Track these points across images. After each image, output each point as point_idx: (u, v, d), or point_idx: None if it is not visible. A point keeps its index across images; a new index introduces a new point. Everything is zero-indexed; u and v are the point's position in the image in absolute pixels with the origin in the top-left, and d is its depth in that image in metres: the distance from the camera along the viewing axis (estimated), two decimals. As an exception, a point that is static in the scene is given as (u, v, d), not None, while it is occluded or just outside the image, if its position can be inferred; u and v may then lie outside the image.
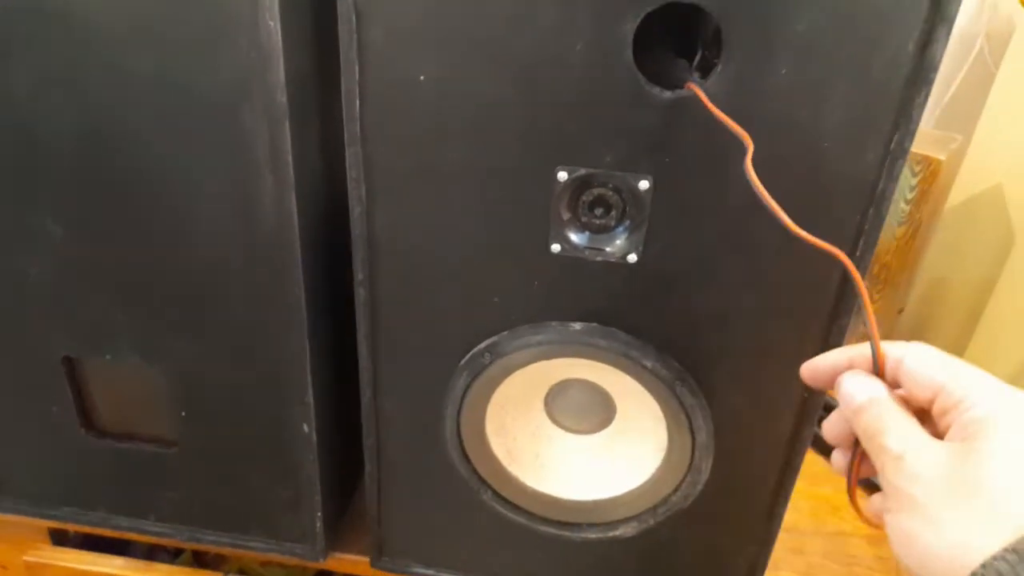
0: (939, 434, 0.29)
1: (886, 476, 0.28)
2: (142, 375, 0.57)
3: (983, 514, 0.25)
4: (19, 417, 0.61)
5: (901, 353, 0.31)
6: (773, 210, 0.34)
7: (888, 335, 0.99)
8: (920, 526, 0.27)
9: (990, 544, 0.25)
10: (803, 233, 0.33)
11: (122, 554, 0.70)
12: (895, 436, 0.28)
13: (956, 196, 0.97)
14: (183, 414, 0.57)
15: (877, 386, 0.30)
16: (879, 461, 0.29)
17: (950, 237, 0.97)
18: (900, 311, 1.02)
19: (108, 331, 0.54)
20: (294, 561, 0.65)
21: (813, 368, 0.34)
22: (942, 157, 0.81)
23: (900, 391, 0.31)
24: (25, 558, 0.66)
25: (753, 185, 0.34)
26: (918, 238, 0.86)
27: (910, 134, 0.38)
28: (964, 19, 0.98)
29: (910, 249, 0.86)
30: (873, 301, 0.91)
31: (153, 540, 0.68)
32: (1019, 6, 0.93)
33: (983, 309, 0.90)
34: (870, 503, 0.32)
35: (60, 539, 0.72)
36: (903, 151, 0.39)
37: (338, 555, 0.65)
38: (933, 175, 0.81)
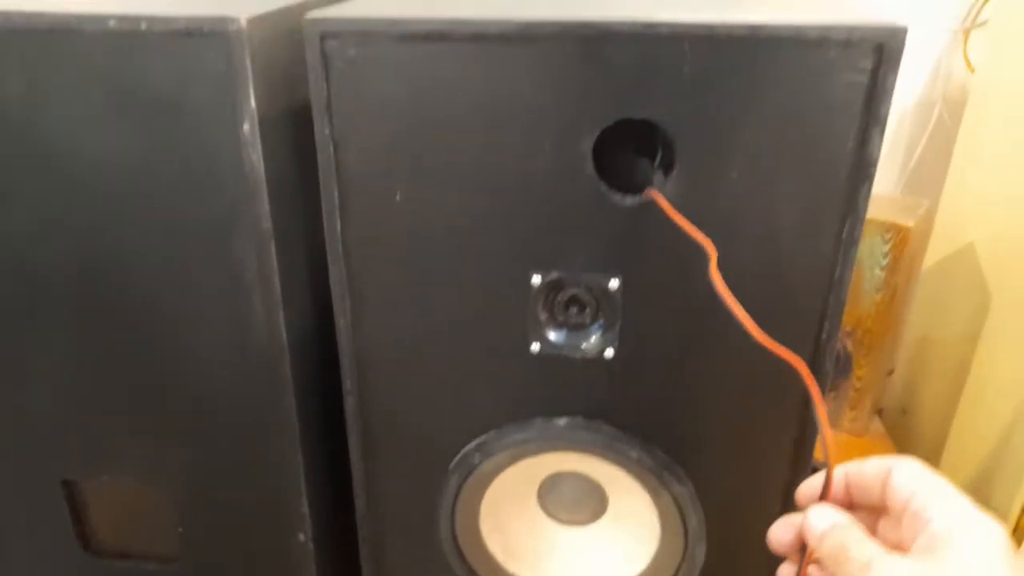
0: (904, 545, 0.31)
1: None
2: (140, 494, 0.58)
3: None
4: (18, 540, 0.61)
5: (890, 465, 0.33)
6: (738, 317, 0.36)
7: (879, 397, 1.00)
8: None
9: None
10: (767, 340, 0.35)
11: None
12: (859, 549, 0.31)
13: (933, 256, 1.00)
14: (180, 530, 0.58)
15: (838, 515, 0.33)
16: (844, 572, 0.31)
17: (932, 297, 1.00)
18: (890, 373, 1.04)
19: (107, 453, 0.55)
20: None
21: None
22: (910, 224, 0.84)
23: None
24: None
25: (718, 292, 0.36)
26: (896, 302, 0.88)
27: (858, 222, 0.41)
28: (921, 87, 1.03)
29: (890, 313, 0.88)
30: (860, 366, 0.92)
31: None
32: (970, 72, 0.98)
33: (970, 364, 0.91)
34: None
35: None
36: (854, 240, 0.41)
37: (341, 664, 0.64)
38: (903, 241, 0.84)
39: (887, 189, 1.06)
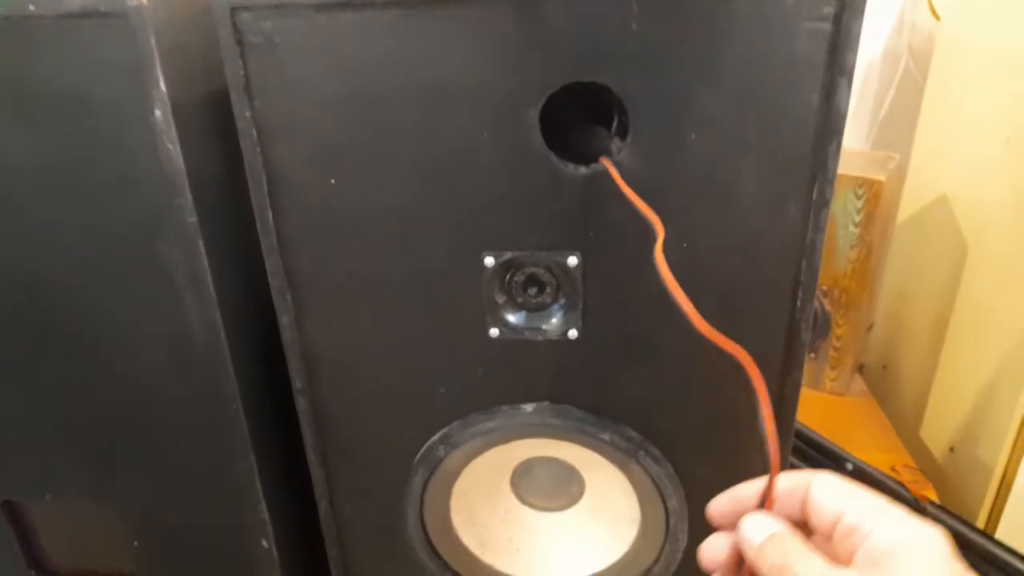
0: (838, 560, 0.29)
1: None
2: (90, 511, 0.54)
3: None
4: (-34, 567, 0.58)
5: (807, 480, 0.31)
6: (682, 306, 0.32)
7: (860, 353, 0.98)
8: None
9: None
10: (710, 332, 0.32)
11: None
12: (803, 565, 0.28)
13: (906, 210, 0.98)
14: (135, 544, 0.55)
15: (777, 524, 0.30)
16: None
17: (907, 252, 0.98)
18: (869, 328, 1.02)
19: (48, 473, 0.52)
20: None
21: (717, 507, 0.33)
22: (882, 178, 0.81)
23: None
24: None
25: (663, 278, 0.33)
26: (872, 258, 0.86)
27: (829, 183, 0.38)
28: (886, 38, 1.00)
29: (866, 270, 0.86)
30: (839, 325, 0.91)
31: None
32: (935, 21, 0.95)
33: (949, 317, 0.90)
34: None
35: None
36: (825, 201, 0.38)
37: (318, 670, 0.61)
38: (876, 196, 0.82)
39: (857, 144, 1.03)
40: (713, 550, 0.32)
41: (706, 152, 0.38)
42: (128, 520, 0.54)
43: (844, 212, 0.83)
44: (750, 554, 0.30)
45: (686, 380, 0.45)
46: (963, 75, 0.85)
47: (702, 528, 0.50)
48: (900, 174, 0.91)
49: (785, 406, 0.45)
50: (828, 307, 0.90)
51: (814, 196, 0.38)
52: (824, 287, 0.88)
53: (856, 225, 0.84)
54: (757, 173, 0.38)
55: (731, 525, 0.32)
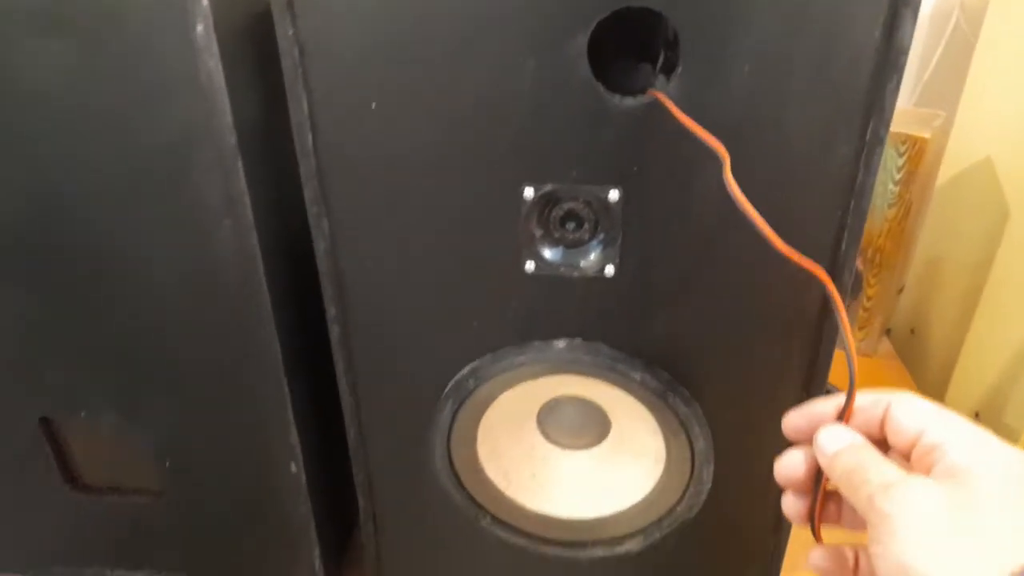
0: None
1: (874, 506, 0.27)
2: (123, 430, 0.56)
3: (981, 551, 0.25)
4: (4, 479, 0.59)
5: (888, 399, 0.31)
6: (757, 225, 0.32)
7: (888, 316, 0.97)
8: (917, 557, 0.25)
9: None
10: (788, 250, 0.32)
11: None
12: (878, 470, 0.28)
13: (946, 173, 0.95)
14: (167, 464, 0.56)
15: (853, 435, 0.30)
16: (862, 494, 0.28)
17: (944, 215, 0.96)
18: (899, 291, 1.01)
19: (82, 391, 0.53)
20: (296, 604, 0.63)
21: (793, 422, 0.33)
22: (927, 135, 0.79)
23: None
24: (23, 622, 0.65)
25: (736, 199, 0.32)
26: (910, 218, 0.84)
27: (884, 123, 0.37)
28: (938, -6, 0.96)
29: (903, 230, 0.85)
30: (870, 285, 0.89)
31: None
32: (993, -26, 0.91)
33: (983, 284, 0.88)
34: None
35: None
36: (879, 140, 0.37)
37: (340, 595, 0.63)
38: (919, 154, 0.80)
39: (901, 102, 1.00)
40: (788, 465, 0.33)
41: (757, 85, 0.37)
42: (159, 440, 0.55)
43: (884, 169, 0.81)
44: (823, 462, 0.30)
45: (718, 321, 0.45)
46: (1017, 33, 0.82)
47: (727, 469, 0.50)
48: (944, 133, 0.89)
49: (822, 351, 0.44)
50: (861, 267, 0.88)
51: (867, 136, 0.37)
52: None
53: (896, 183, 0.82)
54: (809, 109, 0.37)
55: (807, 440, 0.32)
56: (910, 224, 0.85)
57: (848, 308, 0.93)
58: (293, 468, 0.54)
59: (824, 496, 0.32)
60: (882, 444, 0.30)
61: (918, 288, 1.01)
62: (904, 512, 0.26)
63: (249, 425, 0.53)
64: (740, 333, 0.46)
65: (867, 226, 0.84)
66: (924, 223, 0.97)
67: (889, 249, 0.86)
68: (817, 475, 0.32)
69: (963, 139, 0.92)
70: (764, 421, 0.49)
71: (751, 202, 0.38)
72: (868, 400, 0.31)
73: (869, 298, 0.90)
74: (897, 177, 0.81)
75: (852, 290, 0.91)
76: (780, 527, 0.52)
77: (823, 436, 0.31)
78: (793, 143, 0.38)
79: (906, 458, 0.29)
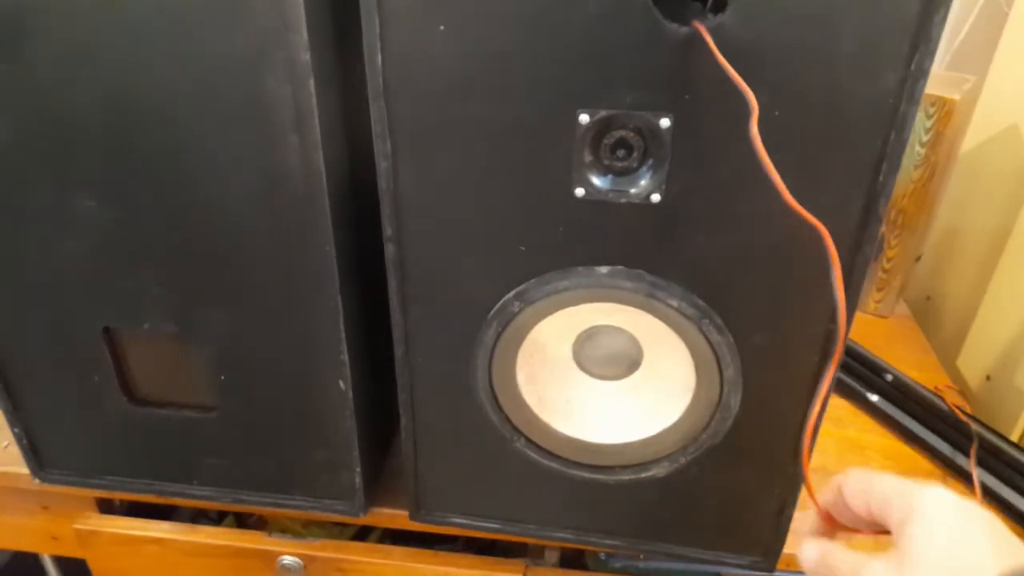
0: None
1: None
2: (179, 343, 0.59)
3: None
4: (62, 390, 0.63)
5: (838, 484, 0.39)
6: (772, 178, 0.36)
7: (905, 283, 0.99)
8: None
9: None
10: (795, 204, 0.37)
11: (167, 519, 0.72)
12: (844, 565, 0.36)
13: (971, 140, 0.97)
14: (222, 378, 0.59)
15: (821, 545, 0.38)
16: None
17: (966, 182, 0.97)
18: (917, 259, 1.03)
19: (146, 302, 0.56)
20: (336, 518, 0.67)
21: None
22: (956, 97, 0.81)
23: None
24: (75, 526, 0.69)
25: (757, 152, 0.36)
26: (934, 181, 0.86)
27: (930, 53, 0.39)
28: (973, -40, 0.97)
29: (927, 192, 0.86)
30: (891, 247, 0.91)
31: (197, 504, 0.70)
32: (1030, -58, 0.92)
33: (1000, 253, 0.90)
34: None
35: (106, 508, 0.74)
36: (923, 72, 0.39)
37: (377, 510, 0.66)
38: (948, 116, 0.81)
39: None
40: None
41: (808, 10, 0.39)
42: (215, 355, 0.58)
43: (913, 131, 0.83)
44: (808, 572, 0.39)
45: (754, 252, 0.47)
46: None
47: (753, 397, 0.53)
48: (973, 97, 0.90)
49: (853, 282, 0.46)
50: (883, 227, 0.90)
51: (912, 66, 0.39)
52: (881, 207, 0.89)
53: (923, 145, 0.83)
54: (857, 35, 0.39)
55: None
56: (933, 187, 0.87)
57: (868, 269, 0.96)
58: (341, 385, 0.57)
59: None
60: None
61: (935, 257, 1.03)
62: None
63: (301, 341, 0.56)
64: (773, 267, 0.48)
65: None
66: (946, 191, 0.99)
67: (912, 210, 0.88)
68: None
69: (991, 105, 0.93)
70: (791, 353, 0.51)
71: (795, 130, 0.40)
72: (831, 492, 0.40)
73: (889, 259, 0.92)
74: (924, 139, 0.83)
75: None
76: (798, 452, 0.55)
77: (802, 555, 0.39)
78: (840, 69, 0.40)
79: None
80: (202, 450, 0.64)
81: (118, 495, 0.72)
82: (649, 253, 0.49)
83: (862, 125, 0.41)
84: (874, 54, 0.39)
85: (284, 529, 0.79)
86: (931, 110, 0.82)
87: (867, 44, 0.39)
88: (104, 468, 0.67)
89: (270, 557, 0.67)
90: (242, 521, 0.84)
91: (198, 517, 0.81)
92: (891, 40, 0.39)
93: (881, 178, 0.43)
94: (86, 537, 0.68)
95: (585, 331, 0.56)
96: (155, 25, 0.44)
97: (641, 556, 0.72)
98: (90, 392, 0.62)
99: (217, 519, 0.84)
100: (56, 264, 0.55)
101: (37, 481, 0.68)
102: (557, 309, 0.52)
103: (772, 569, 0.62)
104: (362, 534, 0.84)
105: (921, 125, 0.82)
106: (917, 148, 0.84)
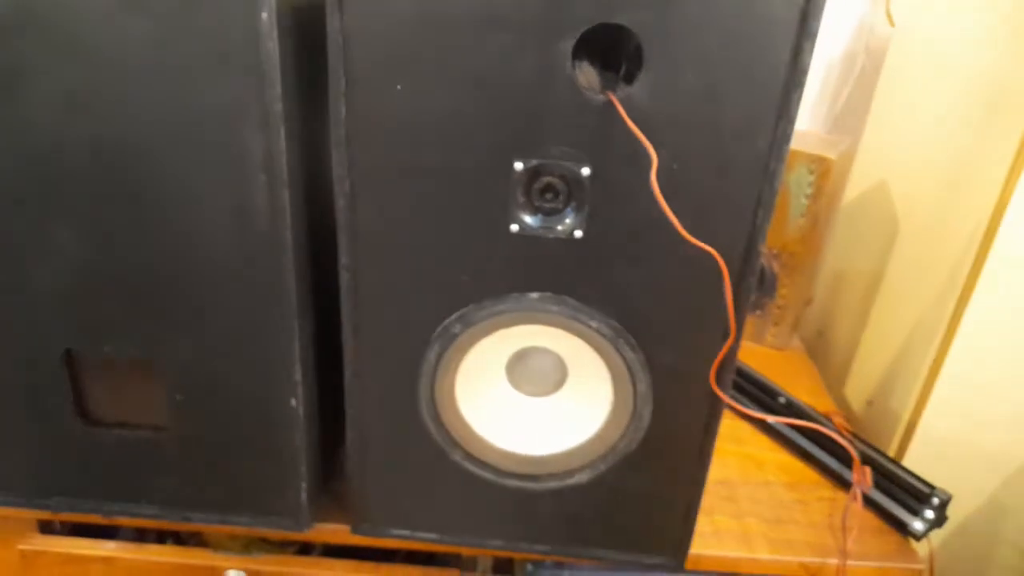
0: None
1: None
2: (136, 365, 0.63)
3: None
4: (14, 412, 0.65)
5: None
6: (669, 217, 0.45)
7: (798, 319, 1.11)
8: None
9: None
10: (689, 236, 0.48)
11: (111, 539, 0.74)
12: None
13: (850, 193, 1.11)
14: (178, 398, 0.63)
15: None
16: None
17: (848, 231, 1.11)
18: (808, 303, 1.15)
19: (111, 327, 0.60)
20: (281, 535, 0.71)
21: None
22: (833, 156, 0.94)
23: None
24: (20, 547, 0.70)
25: (655, 196, 0.45)
26: (817, 229, 0.98)
27: (790, 123, 0.49)
28: (847, 40, 1.12)
29: (812, 238, 0.99)
30: (784, 285, 1.03)
31: (143, 523, 0.72)
32: (891, 27, 1.08)
33: (875, 293, 1.03)
34: None
35: (46, 528, 0.75)
36: (786, 137, 0.49)
37: (320, 526, 0.71)
38: (826, 172, 0.94)
39: (815, 128, 1.16)
40: None
41: (700, 90, 0.49)
42: (173, 375, 0.62)
43: (798, 185, 0.96)
44: None
45: (661, 281, 0.56)
46: (910, 74, 0.98)
47: (663, 409, 0.61)
48: (850, 156, 1.04)
49: (739, 304, 0.56)
50: (777, 269, 1.02)
51: (777, 134, 0.49)
52: (775, 250, 1.01)
53: (807, 197, 0.96)
54: (737, 110, 0.49)
55: None
56: (818, 233, 0.99)
57: (764, 307, 1.07)
58: (293, 403, 0.63)
59: None
60: None
61: (825, 297, 1.16)
62: None
63: (258, 363, 0.61)
64: (678, 294, 0.57)
65: (781, 232, 0.98)
66: (831, 239, 1.12)
67: (800, 254, 1.00)
68: None
69: (865, 162, 1.07)
70: (695, 366, 0.60)
71: (689, 182, 0.49)
72: None
73: (783, 297, 1.04)
74: (808, 192, 0.96)
75: (767, 290, 1.04)
76: (703, 454, 0.64)
77: None
78: (725, 136, 0.50)
79: None
80: (152, 470, 0.67)
81: (64, 517, 0.73)
82: (573, 281, 0.57)
83: (742, 178, 0.51)
84: (750, 124, 0.49)
85: (226, 548, 0.82)
86: (812, 167, 0.94)
87: (745, 116, 0.49)
88: (51, 489, 0.69)
89: (216, 573, 0.70)
90: (181, 541, 0.86)
91: (143, 535, 0.83)
92: (762, 113, 0.49)
93: (758, 220, 0.52)
94: (32, 558, 0.70)
95: (517, 352, 0.63)
96: (150, 81, 0.50)
97: (565, 564, 0.79)
98: (44, 413, 0.65)
99: (159, 538, 0.86)
100: (26, 290, 0.59)
101: (-21, 505, 0.69)
102: (493, 331, 0.59)
103: (682, 567, 0.69)
104: (303, 552, 0.87)
105: (805, 180, 0.95)
106: (802, 200, 0.96)
